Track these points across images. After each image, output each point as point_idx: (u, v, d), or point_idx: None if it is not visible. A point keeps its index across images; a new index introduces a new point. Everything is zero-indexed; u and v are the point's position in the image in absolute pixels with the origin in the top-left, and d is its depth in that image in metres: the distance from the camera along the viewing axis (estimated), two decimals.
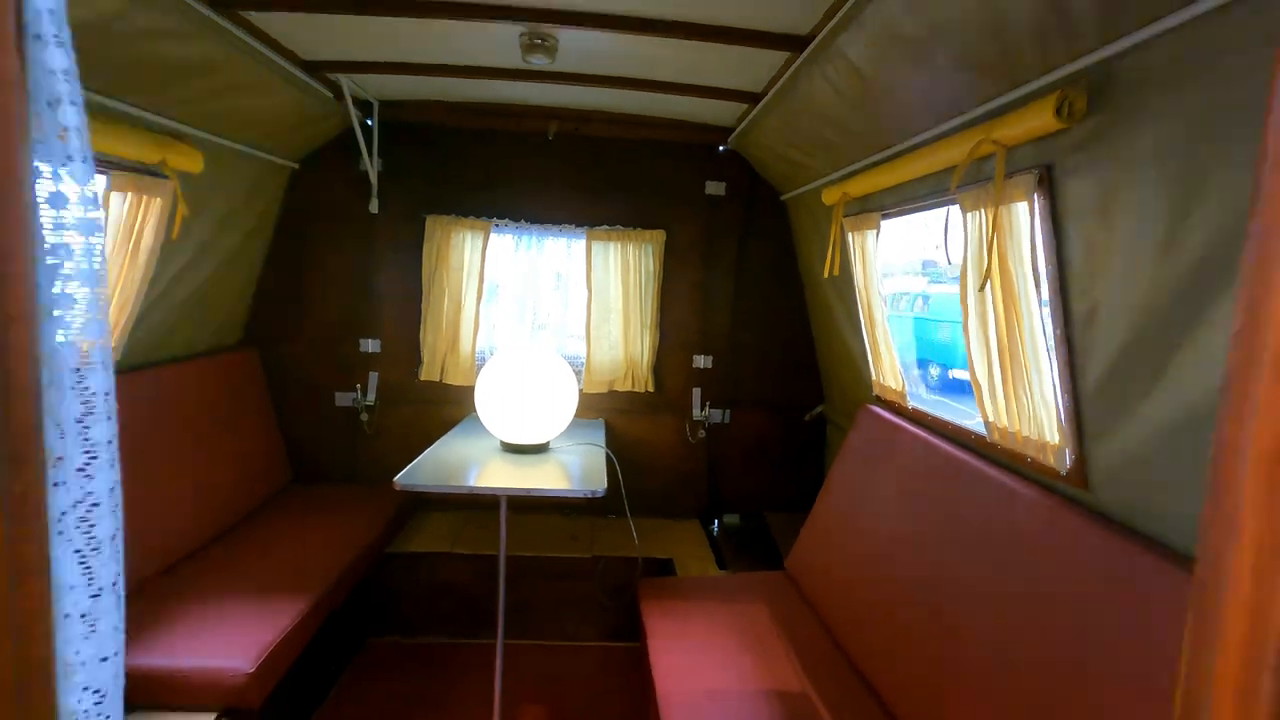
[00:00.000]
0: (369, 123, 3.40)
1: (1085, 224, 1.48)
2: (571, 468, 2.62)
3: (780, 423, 3.86)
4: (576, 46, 2.48)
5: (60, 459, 0.60)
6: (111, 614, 0.67)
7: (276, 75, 2.61)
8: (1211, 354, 1.22)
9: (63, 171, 0.59)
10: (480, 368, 3.56)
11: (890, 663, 2.05)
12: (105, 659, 0.67)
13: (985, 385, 1.96)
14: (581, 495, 2.35)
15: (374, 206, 3.52)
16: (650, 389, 3.74)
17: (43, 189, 0.57)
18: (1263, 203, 0.41)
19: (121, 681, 0.71)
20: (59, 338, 0.59)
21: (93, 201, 0.62)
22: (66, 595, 0.62)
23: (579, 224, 3.62)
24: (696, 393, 3.80)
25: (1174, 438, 1.34)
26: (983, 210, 1.77)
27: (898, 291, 10.74)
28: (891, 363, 2.78)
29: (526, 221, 3.62)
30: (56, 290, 0.59)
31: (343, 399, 3.66)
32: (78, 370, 0.60)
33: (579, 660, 3.13)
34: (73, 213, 0.60)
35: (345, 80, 3.00)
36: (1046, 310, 1.67)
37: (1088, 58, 1.36)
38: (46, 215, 0.58)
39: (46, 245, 0.58)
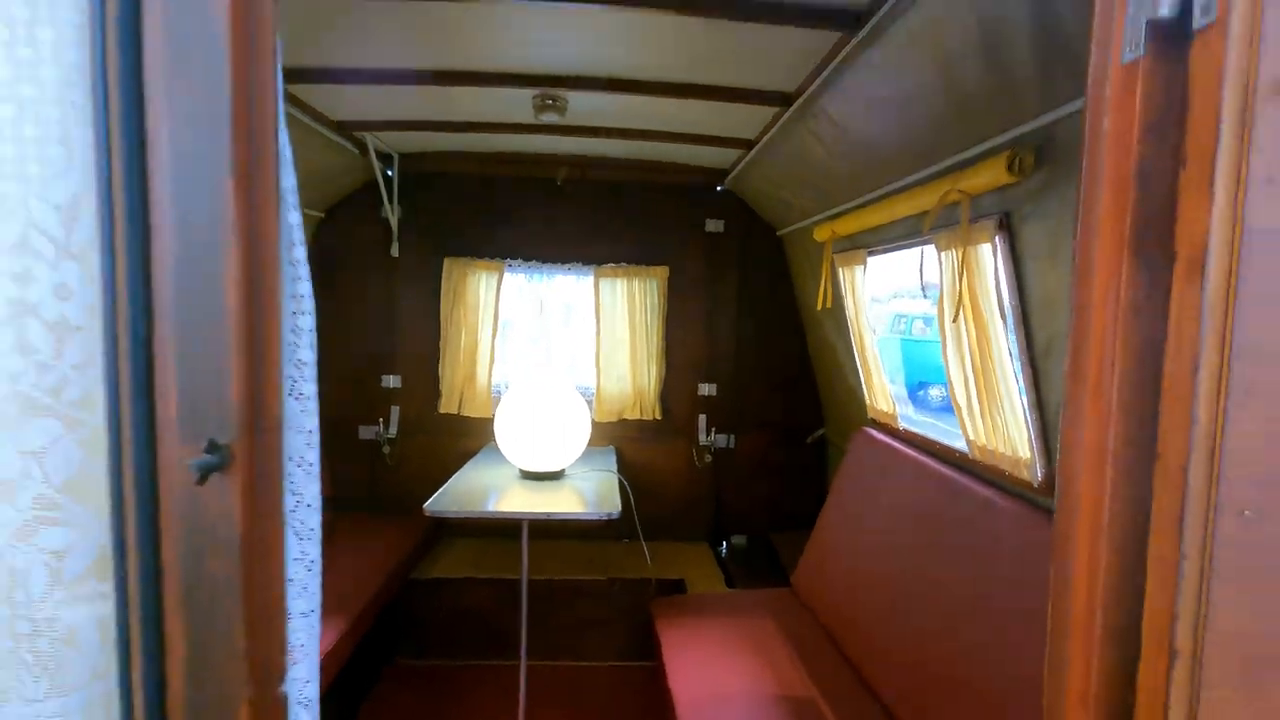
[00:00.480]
0: (389, 173, 3.65)
1: (1040, 264, 1.69)
2: (587, 493, 2.80)
3: (783, 445, 4.03)
4: (585, 105, 2.72)
5: (285, 475, 0.81)
6: (315, 580, 0.88)
7: (309, 135, 2.86)
8: None
9: (295, 262, 0.82)
10: (496, 400, 3.75)
11: (890, 669, 2.20)
12: (308, 614, 0.88)
13: (964, 406, 2.15)
14: (598, 518, 2.51)
15: (395, 250, 3.76)
16: (658, 417, 3.93)
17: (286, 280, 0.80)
18: (1078, 272, 0.61)
19: (319, 630, 0.93)
20: (289, 394, 0.82)
21: (309, 297, 0.85)
22: (289, 565, 0.83)
23: (587, 262, 3.85)
24: (702, 419, 3.98)
25: None
26: (954, 250, 1.98)
27: (898, 312, 10.93)
28: (883, 387, 2.97)
29: (538, 261, 3.85)
30: (289, 360, 0.81)
31: (366, 432, 3.85)
32: (298, 416, 0.82)
33: (596, 680, 3.27)
34: (304, 305, 0.83)
35: (369, 137, 3.25)
36: (1014, 339, 1.87)
37: (1032, 123, 1.57)
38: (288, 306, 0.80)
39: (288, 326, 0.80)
